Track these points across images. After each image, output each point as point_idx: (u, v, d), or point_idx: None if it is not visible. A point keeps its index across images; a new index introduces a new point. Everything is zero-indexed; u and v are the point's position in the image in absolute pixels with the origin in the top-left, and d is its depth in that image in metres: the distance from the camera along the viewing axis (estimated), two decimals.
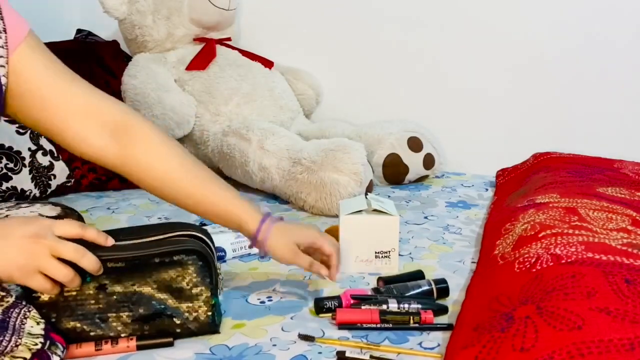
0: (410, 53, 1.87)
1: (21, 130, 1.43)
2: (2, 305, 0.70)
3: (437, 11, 1.83)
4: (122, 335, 0.82)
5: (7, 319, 0.69)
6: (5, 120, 1.39)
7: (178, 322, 0.83)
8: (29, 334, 0.70)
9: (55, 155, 1.49)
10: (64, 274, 0.74)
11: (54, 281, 0.74)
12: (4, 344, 0.67)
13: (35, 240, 0.71)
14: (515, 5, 1.75)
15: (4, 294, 0.71)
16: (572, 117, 1.74)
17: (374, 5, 1.89)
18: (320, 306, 0.92)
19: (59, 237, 0.74)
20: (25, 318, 0.71)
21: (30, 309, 0.72)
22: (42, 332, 0.71)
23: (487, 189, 1.63)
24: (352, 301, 0.92)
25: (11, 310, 0.70)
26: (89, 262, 0.76)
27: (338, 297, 0.93)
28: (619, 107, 1.71)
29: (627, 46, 1.67)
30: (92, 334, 0.80)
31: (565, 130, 1.75)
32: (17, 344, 0.67)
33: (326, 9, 1.94)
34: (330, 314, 0.91)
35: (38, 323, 0.72)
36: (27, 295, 0.76)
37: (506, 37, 1.77)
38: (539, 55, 1.75)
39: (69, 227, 0.75)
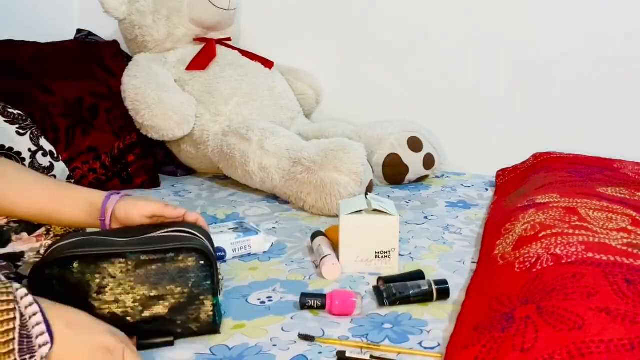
0: (410, 53, 1.87)
1: (21, 131, 1.43)
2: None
3: (438, 11, 1.83)
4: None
5: None
6: (5, 121, 1.39)
7: (179, 322, 0.83)
8: None
9: (56, 156, 1.49)
10: None
11: None
12: None
13: (105, 352, 0.69)
14: (515, 5, 1.75)
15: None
16: (572, 117, 1.74)
17: (374, 6, 1.89)
18: (303, 303, 0.93)
19: None
20: None
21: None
22: None
23: (487, 189, 1.63)
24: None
25: None
26: None
27: (323, 297, 0.93)
28: (619, 107, 1.71)
29: (627, 46, 1.67)
30: None
31: (565, 130, 1.75)
32: None
33: (326, 9, 1.94)
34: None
35: None
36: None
37: (506, 37, 1.77)
38: (539, 55, 1.75)
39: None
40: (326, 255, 1.08)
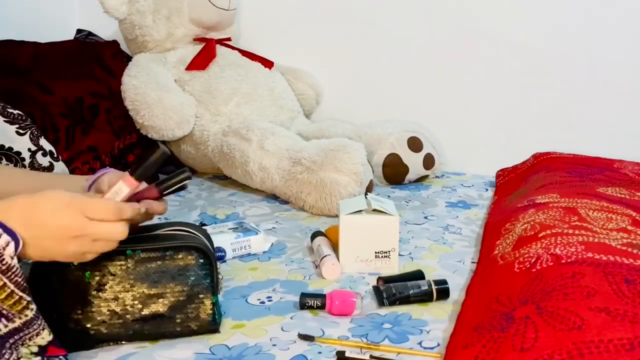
0: (410, 53, 1.87)
1: (21, 131, 1.43)
2: (20, 318, 0.68)
3: (438, 11, 1.83)
4: (122, 335, 0.82)
5: (17, 333, 0.68)
6: (5, 121, 1.39)
7: (178, 320, 0.83)
8: (29, 345, 0.70)
9: (55, 155, 1.49)
10: (112, 247, 0.73)
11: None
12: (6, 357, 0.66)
13: (74, 235, 0.70)
14: (515, 5, 1.75)
15: (28, 300, 0.68)
16: (572, 117, 1.74)
17: (374, 6, 1.89)
18: (303, 303, 0.93)
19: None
20: (37, 335, 0.70)
21: (44, 327, 0.70)
22: (43, 344, 0.71)
23: (487, 189, 1.63)
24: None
25: (26, 327, 0.69)
26: (129, 225, 0.74)
27: (323, 296, 0.93)
28: (619, 108, 1.71)
29: (627, 46, 1.67)
30: (91, 332, 0.81)
31: (565, 130, 1.75)
32: (15, 350, 0.67)
33: (326, 9, 1.94)
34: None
35: (44, 338, 0.71)
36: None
37: (506, 37, 1.77)
38: (539, 55, 1.75)
39: (104, 212, 0.71)
40: (326, 255, 1.08)
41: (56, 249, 0.70)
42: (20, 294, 0.67)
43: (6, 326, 0.67)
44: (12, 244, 0.66)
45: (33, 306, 0.69)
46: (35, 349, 0.69)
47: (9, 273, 0.66)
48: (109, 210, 0.71)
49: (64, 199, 0.71)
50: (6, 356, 0.66)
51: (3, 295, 0.66)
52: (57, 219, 0.69)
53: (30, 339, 0.69)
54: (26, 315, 0.68)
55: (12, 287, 0.67)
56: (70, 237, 0.70)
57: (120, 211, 0.72)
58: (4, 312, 0.67)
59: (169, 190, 0.83)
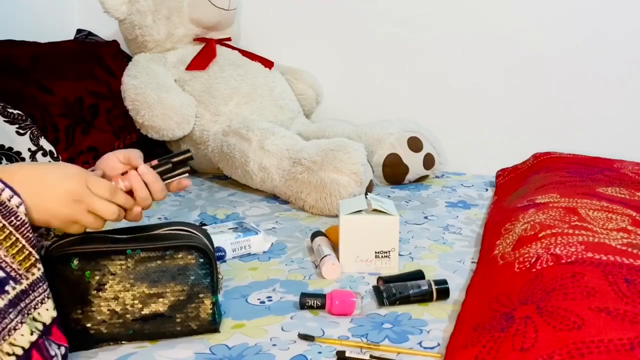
0: (410, 53, 1.88)
1: (21, 131, 1.43)
2: (27, 279, 0.70)
3: (438, 11, 1.83)
4: (123, 334, 0.82)
5: (23, 297, 0.69)
6: (5, 121, 1.39)
7: (178, 320, 0.83)
8: (34, 318, 0.70)
9: (55, 155, 1.49)
10: (97, 225, 0.78)
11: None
12: (7, 321, 0.66)
13: (75, 199, 0.74)
14: (515, 5, 1.75)
15: (36, 258, 0.71)
16: (572, 117, 1.74)
17: (373, 6, 1.89)
18: (303, 302, 0.93)
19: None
20: (42, 303, 0.71)
21: (49, 295, 0.72)
22: (47, 322, 0.71)
23: (487, 189, 1.63)
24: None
25: (32, 289, 0.70)
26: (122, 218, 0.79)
27: (323, 296, 0.93)
28: (619, 107, 1.71)
29: (627, 46, 1.67)
30: (91, 332, 0.81)
31: (565, 130, 1.75)
32: (21, 321, 0.67)
33: (326, 9, 1.94)
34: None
35: (47, 310, 0.72)
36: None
37: (506, 37, 1.77)
38: (539, 55, 1.75)
39: (104, 188, 0.77)
40: (326, 255, 1.08)
41: (54, 210, 0.74)
42: (30, 249, 0.71)
43: (14, 288, 0.68)
44: (23, 205, 0.71)
45: (40, 265, 0.72)
46: (39, 326, 0.70)
47: (22, 229, 0.70)
48: (106, 188, 0.77)
49: (74, 167, 0.77)
50: (11, 316, 0.66)
51: (15, 250, 0.69)
52: (66, 183, 0.74)
53: (35, 308, 0.70)
54: (33, 274, 0.71)
55: (24, 242, 0.70)
56: (70, 200, 0.74)
57: (114, 194, 0.78)
58: (13, 273, 0.68)
59: (170, 174, 0.87)
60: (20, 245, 0.70)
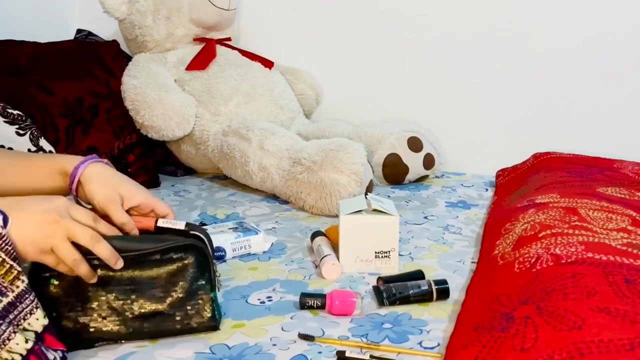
0: (410, 53, 1.88)
1: (21, 132, 1.43)
2: (12, 291, 0.69)
3: (438, 11, 1.83)
4: (122, 332, 0.82)
5: (11, 309, 0.68)
6: (5, 121, 1.39)
7: (178, 318, 0.83)
8: (24, 329, 0.69)
9: None
10: (73, 259, 0.75)
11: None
12: None
13: (54, 219, 0.72)
14: (515, 5, 1.75)
15: (18, 270, 0.70)
16: (572, 117, 1.74)
17: (374, 6, 1.89)
18: (303, 303, 0.93)
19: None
20: (30, 314, 0.70)
21: (37, 305, 0.71)
22: (39, 330, 0.71)
23: (487, 189, 1.63)
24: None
25: (18, 301, 0.69)
26: (103, 250, 0.76)
27: (323, 296, 0.93)
28: (619, 107, 1.71)
29: (628, 46, 1.67)
30: (91, 329, 0.81)
31: (565, 130, 1.75)
32: (14, 331, 0.67)
33: (326, 9, 1.94)
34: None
35: (38, 319, 0.71)
36: (36, 279, 0.78)
37: (506, 37, 1.77)
38: (539, 55, 1.75)
39: (84, 216, 0.76)
40: (326, 255, 1.08)
41: (31, 232, 0.72)
42: (11, 262, 0.69)
43: (0, 301, 0.67)
44: (1, 216, 0.69)
45: (24, 277, 0.70)
46: (31, 336, 0.69)
47: (0, 242, 0.68)
48: (88, 215, 0.76)
49: (58, 196, 0.76)
50: (3, 327, 0.65)
51: None
52: (43, 203, 0.73)
53: (24, 319, 0.69)
54: (17, 287, 0.69)
55: (3, 255, 0.68)
56: (48, 221, 0.72)
57: (96, 221, 0.78)
58: None
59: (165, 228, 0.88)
60: (0, 259, 0.68)
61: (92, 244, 0.75)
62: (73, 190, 0.89)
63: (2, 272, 0.68)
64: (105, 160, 0.92)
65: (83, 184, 0.88)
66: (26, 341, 0.67)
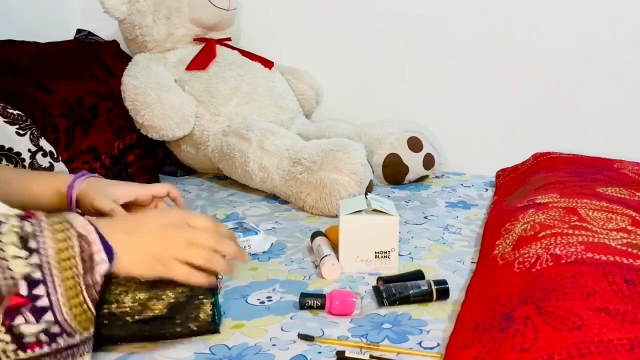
0: (410, 53, 1.88)
1: (21, 132, 1.43)
2: (81, 333, 0.66)
3: (437, 12, 1.83)
4: (123, 336, 0.82)
5: (69, 351, 0.66)
6: (5, 121, 1.39)
7: (178, 321, 0.83)
8: None
9: (55, 156, 1.49)
10: (204, 257, 0.72)
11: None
12: None
13: (171, 229, 0.71)
14: (515, 5, 1.75)
15: (94, 316, 0.68)
16: (572, 117, 1.74)
17: (373, 6, 1.89)
18: (303, 303, 0.93)
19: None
20: (81, 356, 0.68)
21: (89, 350, 0.69)
22: None
23: (487, 189, 1.63)
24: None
25: (81, 343, 0.67)
26: (230, 247, 0.75)
27: (323, 296, 0.93)
28: (619, 107, 1.71)
29: (628, 46, 1.67)
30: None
31: (565, 130, 1.75)
32: None
33: (326, 9, 1.94)
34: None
35: None
36: None
37: (506, 37, 1.77)
38: (539, 55, 1.75)
39: (202, 220, 0.74)
40: (326, 255, 1.08)
41: (156, 246, 0.70)
42: (92, 309, 0.68)
43: (65, 341, 0.66)
44: (105, 265, 0.67)
45: (93, 325, 0.69)
46: None
47: (93, 289, 0.67)
48: (205, 218, 0.74)
49: (167, 209, 0.77)
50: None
51: (78, 310, 0.66)
52: (160, 219, 0.72)
53: (73, 357, 0.68)
54: (86, 332, 0.68)
55: (89, 302, 0.67)
56: (170, 225, 0.71)
57: (217, 225, 0.76)
58: (69, 329, 0.66)
59: None
60: (85, 306, 0.67)
61: (218, 244, 0.74)
62: (74, 207, 0.90)
63: (81, 318, 0.67)
64: (89, 174, 0.94)
65: (81, 199, 0.90)
66: None
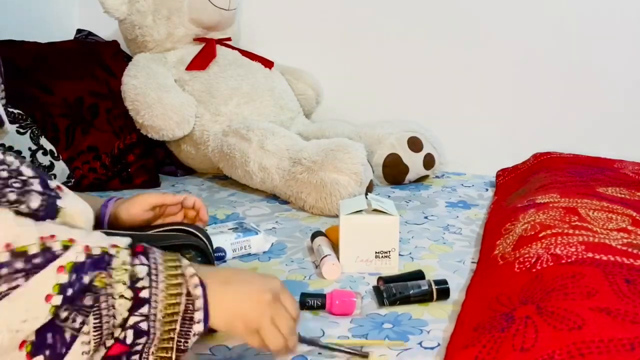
0: (410, 53, 1.88)
1: (21, 130, 1.43)
2: None
3: (437, 12, 1.83)
4: None
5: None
6: None
7: None
8: None
9: (56, 155, 1.49)
10: (278, 343, 0.69)
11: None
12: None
13: (269, 300, 0.68)
14: (515, 5, 1.75)
15: None
16: (572, 117, 1.74)
17: (374, 6, 1.89)
18: (303, 302, 0.93)
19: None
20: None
21: None
22: None
23: (487, 189, 1.63)
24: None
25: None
26: (294, 344, 0.72)
27: (323, 296, 0.93)
28: (619, 107, 1.71)
29: (628, 46, 1.67)
30: None
31: (565, 130, 1.75)
32: None
33: (326, 9, 1.94)
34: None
35: None
36: None
37: (506, 37, 1.77)
38: (539, 55, 1.75)
39: (291, 304, 0.72)
40: (326, 255, 1.08)
41: (248, 310, 0.67)
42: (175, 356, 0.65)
43: None
44: (201, 326, 0.65)
45: None
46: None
47: (181, 346, 0.65)
48: (295, 304, 0.72)
49: (270, 275, 0.73)
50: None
51: None
52: (264, 281, 0.70)
53: None
54: None
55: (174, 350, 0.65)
56: (264, 300, 0.68)
57: (298, 316, 0.73)
58: None
59: None
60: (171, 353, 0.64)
61: (289, 336, 0.71)
62: (105, 226, 0.90)
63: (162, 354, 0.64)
64: (114, 197, 0.95)
65: (117, 216, 0.90)
66: None
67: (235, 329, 0.68)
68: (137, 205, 0.90)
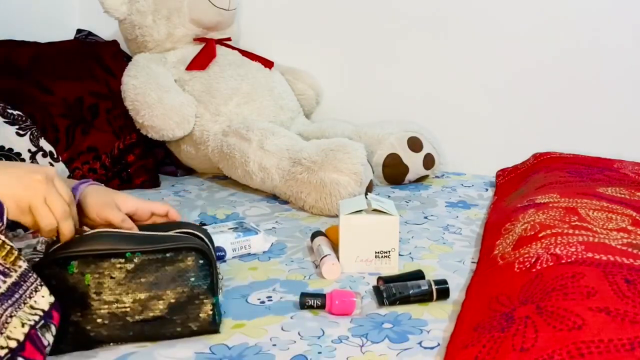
0: (410, 53, 1.88)
1: (21, 132, 1.43)
2: (15, 271, 0.69)
3: (437, 12, 1.83)
4: (123, 336, 0.82)
5: (16, 289, 0.68)
6: (5, 122, 1.39)
7: (178, 321, 0.83)
8: (31, 307, 0.69)
9: (55, 156, 1.49)
10: (49, 223, 0.76)
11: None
12: (0, 312, 0.65)
13: (39, 180, 0.74)
14: (515, 6, 1.75)
15: (18, 250, 0.70)
16: (572, 117, 1.74)
17: (374, 6, 1.89)
18: (303, 302, 0.93)
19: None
20: (36, 291, 0.70)
21: (42, 283, 0.72)
22: (46, 308, 0.71)
23: (487, 189, 1.63)
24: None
25: (22, 280, 0.70)
26: (68, 227, 0.78)
27: (323, 296, 0.93)
28: (619, 107, 1.71)
29: (628, 46, 1.67)
30: (92, 334, 0.80)
31: (565, 130, 1.75)
32: (11, 315, 0.66)
33: (326, 9, 1.94)
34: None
35: (44, 297, 0.71)
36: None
37: (506, 37, 1.77)
38: (539, 55, 1.75)
39: (65, 190, 0.77)
40: (326, 255, 1.08)
41: (17, 189, 0.73)
42: (10, 244, 0.70)
43: (4, 282, 0.67)
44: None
45: (23, 258, 0.71)
46: (39, 313, 0.69)
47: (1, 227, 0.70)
48: (68, 192, 0.79)
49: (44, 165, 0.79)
50: (5, 307, 0.65)
51: None
52: (33, 166, 0.77)
53: (30, 297, 0.69)
54: (20, 267, 0.70)
55: (2, 237, 0.69)
56: (34, 179, 0.74)
57: (71, 200, 0.80)
58: (0, 267, 0.68)
59: None
60: (1, 241, 0.69)
61: (62, 218, 0.77)
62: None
63: (3, 253, 0.69)
64: (95, 182, 0.95)
65: (85, 207, 0.90)
66: (22, 325, 0.66)
67: (9, 211, 0.72)
68: (108, 210, 0.90)
